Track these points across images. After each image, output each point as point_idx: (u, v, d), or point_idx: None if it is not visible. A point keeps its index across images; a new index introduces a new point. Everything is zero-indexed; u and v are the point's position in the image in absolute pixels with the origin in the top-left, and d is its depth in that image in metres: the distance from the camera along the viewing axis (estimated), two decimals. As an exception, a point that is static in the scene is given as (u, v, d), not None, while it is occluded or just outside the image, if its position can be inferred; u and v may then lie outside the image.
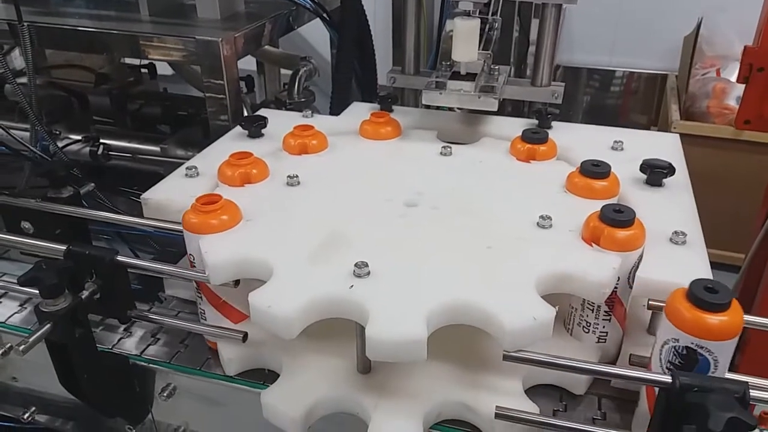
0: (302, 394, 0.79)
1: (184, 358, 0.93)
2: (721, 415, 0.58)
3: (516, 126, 1.15)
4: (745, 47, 1.16)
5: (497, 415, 0.73)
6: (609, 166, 0.91)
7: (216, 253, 0.79)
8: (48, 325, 0.80)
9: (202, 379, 0.91)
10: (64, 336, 0.82)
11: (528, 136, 1.02)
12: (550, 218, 0.84)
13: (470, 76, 1.08)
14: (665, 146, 1.08)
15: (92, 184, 1.16)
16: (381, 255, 0.79)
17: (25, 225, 1.03)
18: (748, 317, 0.73)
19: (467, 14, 1.04)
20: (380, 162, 1.05)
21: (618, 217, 0.77)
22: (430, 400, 0.77)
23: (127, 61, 1.96)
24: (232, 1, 1.37)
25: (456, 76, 1.08)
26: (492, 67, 1.14)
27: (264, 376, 0.87)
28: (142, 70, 1.92)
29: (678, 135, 1.11)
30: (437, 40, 1.33)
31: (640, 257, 0.77)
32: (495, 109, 1.07)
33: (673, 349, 0.68)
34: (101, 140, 1.55)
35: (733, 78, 2.63)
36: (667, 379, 0.65)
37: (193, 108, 1.70)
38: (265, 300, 0.72)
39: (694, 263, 0.78)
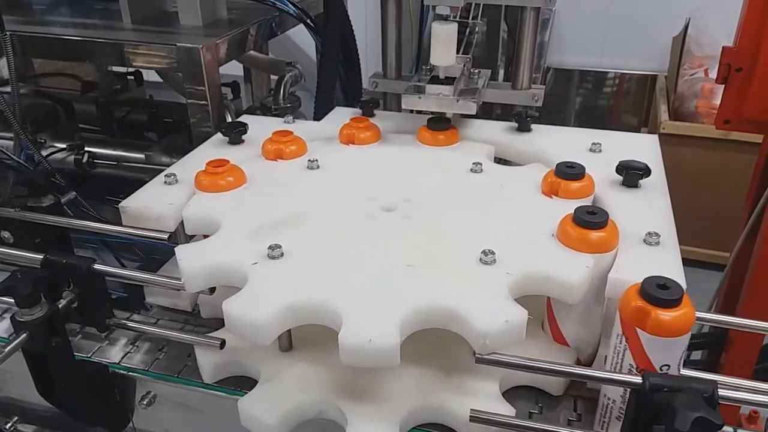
0: (279, 400, 0.79)
1: (163, 366, 0.93)
2: (688, 415, 0.59)
3: (496, 129, 1.16)
4: (723, 48, 1.17)
5: (472, 418, 0.73)
6: (583, 168, 0.92)
7: (190, 261, 0.80)
8: (24, 335, 0.80)
9: (182, 386, 0.91)
10: (40, 345, 0.82)
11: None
12: (524, 220, 0.84)
13: (449, 80, 1.09)
14: (643, 148, 1.08)
15: (74, 193, 1.17)
16: (355, 259, 0.80)
17: (5, 234, 1.03)
18: (704, 314, 0.76)
19: (445, 18, 1.04)
20: (359, 167, 1.05)
21: (591, 218, 0.78)
22: (407, 403, 0.78)
23: (115, 68, 1.97)
24: (215, 8, 1.37)
25: (435, 80, 1.09)
26: (472, 70, 1.15)
27: (244, 383, 0.87)
28: (129, 78, 1.92)
29: (656, 136, 1.12)
30: (417, 44, 1.33)
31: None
32: (473, 112, 1.08)
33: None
34: (86, 148, 1.56)
35: (721, 78, 2.65)
36: (637, 379, 0.65)
37: (179, 115, 1.70)
38: (239, 307, 0.72)
39: (666, 263, 0.78)
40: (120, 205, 0.96)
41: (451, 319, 0.71)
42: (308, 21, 1.51)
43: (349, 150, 1.10)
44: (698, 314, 0.70)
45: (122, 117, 1.76)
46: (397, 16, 1.23)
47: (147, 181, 1.33)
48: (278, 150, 1.05)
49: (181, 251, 0.82)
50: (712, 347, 1.48)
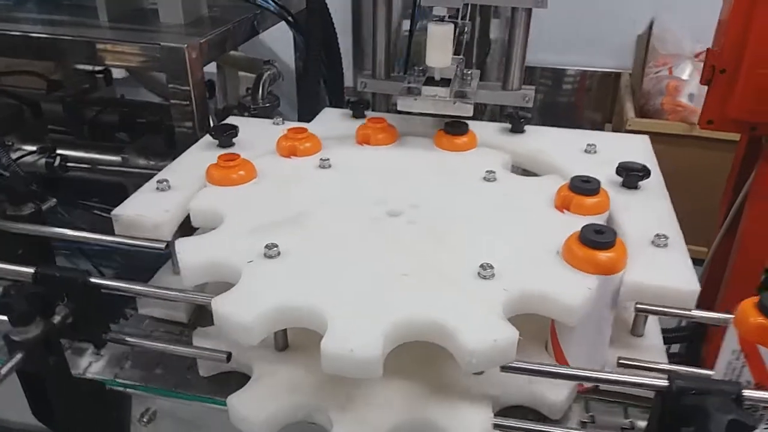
0: (268, 400, 0.77)
1: (161, 381, 0.89)
2: (722, 417, 0.59)
3: (488, 130, 1.15)
4: (708, 50, 1.19)
5: (496, 426, 0.72)
6: (599, 183, 0.89)
7: (189, 255, 0.80)
8: (20, 355, 0.76)
9: (183, 401, 0.88)
10: (37, 365, 0.78)
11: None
12: (530, 235, 0.82)
13: (444, 82, 1.08)
14: (637, 148, 1.09)
15: (54, 200, 1.12)
16: (350, 264, 0.79)
17: (-17, 246, 0.97)
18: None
19: (441, 19, 1.03)
20: (370, 169, 1.03)
21: (598, 238, 0.74)
22: (394, 416, 0.75)
23: (81, 66, 1.90)
24: (196, 6, 1.33)
25: (430, 81, 1.08)
26: (464, 71, 1.14)
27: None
28: (97, 76, 1.86)
29: (647, 137, 1.14)
30: (408, 44, 1.32)
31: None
32: (470, 114, 1.07)
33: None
34: (58, 151, 1.49)
35: (685, 76, 2.72)
36: (664, 382, 0.66)
37: (154, 115, 1.65)
38: (227, 306, 0.72)
39: (678, 265, 0.79)
40: (112, 213, 0.92)
41: (439, 334, 0.69)
42: (289, 18, 1.48)
43: (363, 151, 1.09)
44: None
45: (92, 117, 1.70)
46: (387, 15, 1.22)
47: (123, 184, 1.27)
48: (292, 147, 1.04)
49: (181, 244, 0.82)
50: (692, 341, 1.51)
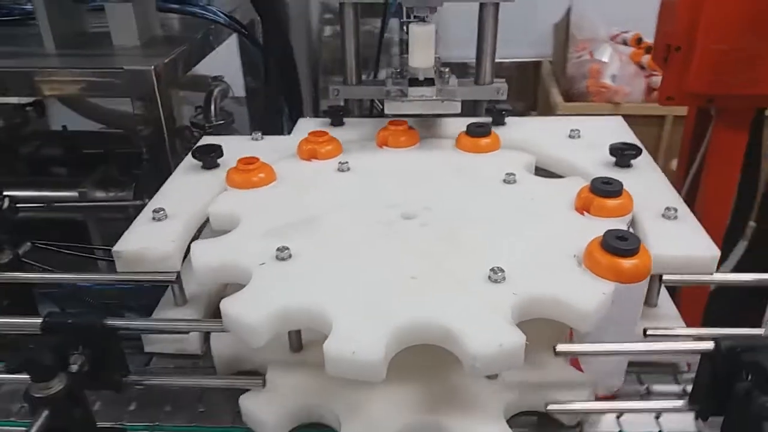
0: (280, 400, 0.76)
1: (179, 417, 0.84)
2: (782, 369, 0.62)
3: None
4: (662, 30, 1.26)
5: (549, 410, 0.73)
6: (621, 184, 0.86)
7: (202, 257, 0.81)
8: (46, 413, 0.70)
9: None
10: (63, 421, 0.72)
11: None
12: (546, 238, 0.81)
13: (428, 81, 1.08)
14: (616, 129, 1.14)
15: (29, 243, 1.04)
16: (360, 266, 0.79)
17: (-32, 303, 0.89)
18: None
19: (423, 20, 1.04)
20: (389, 172, 1.02)
21: (620, 245, 0.71)
22: (403, 418, 0.74)
23: (1, 100, 1.77)
24: (149, 26, 1.27)
25: (414, 82, 1.08)
26: (441, 70, 1.15)
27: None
28: (27, 108, 1.73)
29: (621, 118, 1.19)
30: (378, 47, 1.32)
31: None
32: (458, 111, 1.08)
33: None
34: (5, 192, 1.38)
35: (605, 58, 2.86)
36: (710, 345, 0.69)
37: (103, 144, 1.56)
38: (235, 307, 0.72)
39: (694, 233, 0.83)
40: (113, 250, 0.86)
41: (444, 338, 0.68)
42: (242, 30, 1.44)
43: (383, 153, 1.08)
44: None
45: (32, 152, 1.58)
46: (355, 21, 1.21)
47: (81, 220, 1.20)
48: (313, 150, 1.04)
49: (196, 247, 0.83)
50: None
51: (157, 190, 1.04)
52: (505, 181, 0.96)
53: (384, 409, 0.75)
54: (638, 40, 3.04)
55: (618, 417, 0.78)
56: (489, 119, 1.16)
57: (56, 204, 1.39)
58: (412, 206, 0.91)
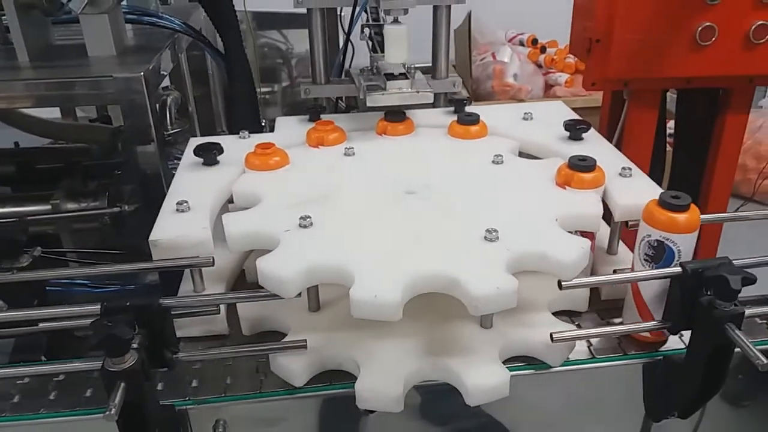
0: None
1: (212, 390, 0.92)
2: (736, 277, 0.80)
3: (438, 115, 1.32)
4: (584, 25, 1.47)
5: (555, 340, 0.88)
6: (594, 160, 1.00)
7: (234, 226, 0.93)
8: (123, 385, 0.75)
9: (256, 401, 0.91)
10: (138, 396, 0.78)
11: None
12: (532, 207, 0.96)
13: (402, 76, 1.21)
14: (560, 111, 1.32)
15: (39, 248, 1.07)
16: (373, 232, 0.92)
17: (-1, 303, 0.92)
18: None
19: (395, 20, 1.17)
20: (390, 156, 1.15)
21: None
22: (413, 363, 0.88)
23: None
24: (121, 37, 1.30)
25: (391, 77, 1.21)
26: (408, 66, 1.28)
27: (326, 378, 0.91)
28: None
29: (562, 102, 1.37)
30: (344, 48, 1.43)
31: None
32: (431, 101, 1.22)
33: (647, 244, 0.89)
34: (-29, 210, 1.36)
35: (506, 59, 3.12)
36: (678, 270, 0.86)
37: (59, 158, 1.56)
38: (269, 264, 0.84)
39: (649, 187, 1.01)
40: (150, 239, 0.92)
41: (450, 284, 0.82)
42: (201, 36, 1.50)
43: (383, 140, 1.21)
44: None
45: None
46: (322, 23, 1.32)
47: (51, 233, 1.25)
48: (320, 137, 1.16)
49: (228, 218, 0.95)
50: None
51: (132, 196, 1.11)
52: (493, 162, 1.11)
53: (397, 355, 0.89)
54: (534, 41, 3.35)
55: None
56: (452, 108, 1.31)
57: (29, 218, 1.38)
58: (414, 184, 1.04)
